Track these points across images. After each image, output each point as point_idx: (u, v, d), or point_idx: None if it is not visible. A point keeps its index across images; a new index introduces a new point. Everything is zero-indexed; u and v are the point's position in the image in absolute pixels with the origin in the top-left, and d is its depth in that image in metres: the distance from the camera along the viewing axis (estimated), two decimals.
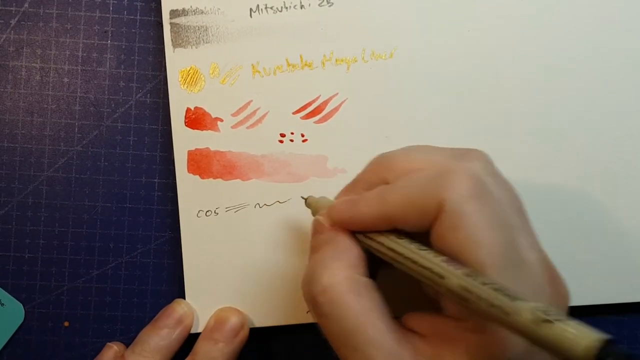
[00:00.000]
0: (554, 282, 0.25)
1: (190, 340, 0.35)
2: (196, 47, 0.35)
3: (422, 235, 0.25)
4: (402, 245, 0.26)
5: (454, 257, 0.24)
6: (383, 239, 0.26)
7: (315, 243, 0.28)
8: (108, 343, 0.36)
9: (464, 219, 0.23)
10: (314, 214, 0.31)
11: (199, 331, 0.35)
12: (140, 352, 0.34)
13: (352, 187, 0.29)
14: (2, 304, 0.37)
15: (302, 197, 0.33)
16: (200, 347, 0.34)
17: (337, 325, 0.25)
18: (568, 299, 0.26)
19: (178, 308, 0.35)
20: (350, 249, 0.27)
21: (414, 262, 0.25)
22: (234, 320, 0.35)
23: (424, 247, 0.25)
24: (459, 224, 0.23)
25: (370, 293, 0.25)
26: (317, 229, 0.28)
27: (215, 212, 0.35)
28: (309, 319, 0.36)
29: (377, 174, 0.28)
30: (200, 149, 0.35)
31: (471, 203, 0.24)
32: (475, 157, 0.26)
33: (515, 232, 0.25)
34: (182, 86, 0.35)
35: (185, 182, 0.35)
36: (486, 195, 0.24)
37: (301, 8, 0.35)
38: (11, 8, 0.37)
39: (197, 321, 0.36)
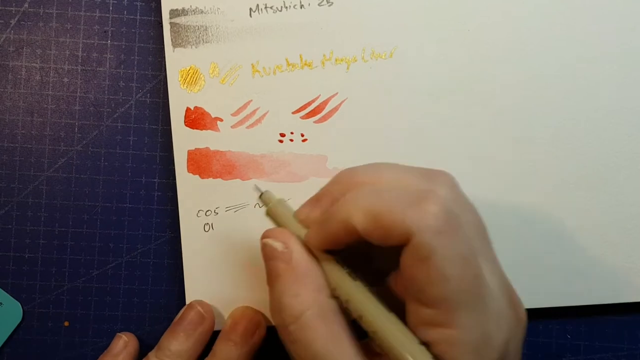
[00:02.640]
0: (514, 306, 0.26)
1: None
2: (196, 47, 0.35)
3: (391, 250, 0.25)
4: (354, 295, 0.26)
5: (420, 289, 0.24)
6: (334, 276, 0.26)
7: (273, 270, 0.27)
8: (118, 333, 0.36)
9: (431, 252, 0.23)
10: (268, 214, 0.29)
11: (218, 329, 0.35)
12: (162, 358, 0.34)
13: (317, 201, 0.28)
14: (0, 303, 0.37)
15: (257, 189, 0.30)
16: (218, 348, 0.34)
17: (307, 351, 0.25)
18: (526, 320, 0.26)
19: (195, 311, 0.35)
20: (312, 271, 0.26)
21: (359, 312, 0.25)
22: (250, 320, 0.35)
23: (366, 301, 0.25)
24: (426, 257, 0.23)
25: (338, 317, 0.26)
26: (269, 254, 0.27)
27: (215, 212, 0.35)
28: None
29: (343, 188, 0.27)
30: (200, 148, 0.35)
31: (440, 237, 0.23)
32: (442, 182, 0.26)
33: (480, 261, 0.25)
34: (182, 86, 0.35)
35: (185, 182, 0.35)
36: (455, 227, 0.24)
37: (301, 8, 0.35)
38: (11, 8, 0.37)
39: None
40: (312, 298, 0.26)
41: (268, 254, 0.27)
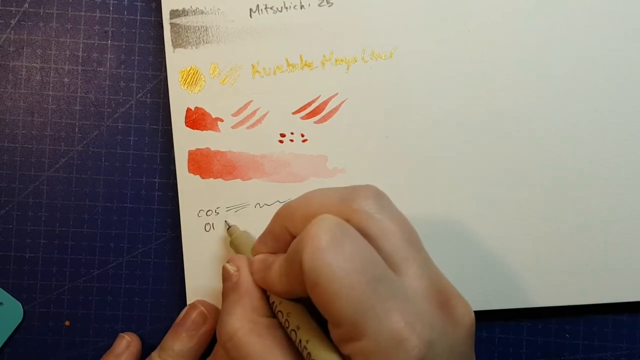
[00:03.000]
0: (447, 307, 0.26)
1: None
2: (196, 47, 0.35)
3: None
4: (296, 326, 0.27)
5: (323, 311, 0.25)
6: (282, 310, 0.28)
7: (224, 290, 0.30)
8: (120, 333, 0.36)
9: (318, 274, 0.24)
10: (231, 245, 0.34)
11: None
12: (164, 358, 0.34)
13: (263, 239, 0.30)
14: (1, 303, 0.37)
15: (227, 224, 0.35)
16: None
17: None
18: (468, 322, 0.26)
19: (197, 310, 0.35)
20: (251, 292, 0.29)
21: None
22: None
23: (311, 329, 0.27)
24: (315, 281, 0.24)
25: (272, 332, 0.28)
26: (225, 276, 0.30)
27: (215, 212, 0.36)
28: None
29: (281, 224, 0.29)
30: (201, 149, 0.35)
31: (325, 256, 0.24)
32: (362, 196, 0.27)
33: (403, 263, 0.25)
34: (182, 86, 0.35)
35: (186, 182, 0.35)
36: (345, 241, 0.25)
37: (301, 8, 0.35)
38: (11, 8, 0.37)
39: None
40: (246, 317, 0.28)
41: (224, 276, 0.30)
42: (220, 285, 0.35)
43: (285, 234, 0.29)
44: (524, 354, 0.37)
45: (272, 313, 0.29)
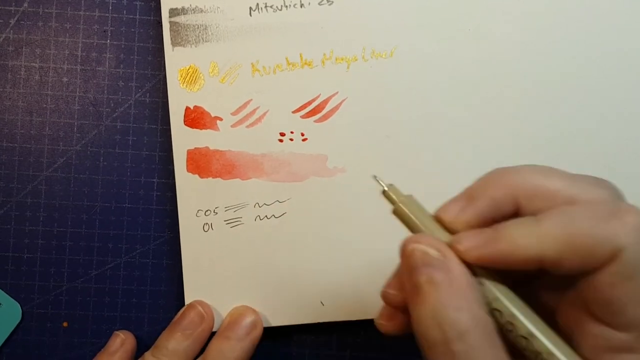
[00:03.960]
0: None
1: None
2: (195, 46, 0.35)
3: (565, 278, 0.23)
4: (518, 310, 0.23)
5: (618, 310, 0.21)
6: (495, 290, 0.23)
7: (427, 278, 0.23)
8: (115, 332, 0.36)
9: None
10: (397, 213, 0.25)
11: (216, 329, 0.35)
12: (159, 357, 0.34)
13: (470, 200, 0.25)
14: (0, 304, 0.37)
15: (379, 182, 0.26)
16: (213, 345, 0.34)
17: None
18: None
19: (195, 311, 0.35)
20: (473, 284, 0.23)
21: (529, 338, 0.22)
22: (246, 319, 0.35)
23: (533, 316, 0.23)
24: (634, 274, 0.21)
25: (499, 339, 0.22)
26: (425, 261, 0.23)
27: (214, 212, 0.35)
28: (309, 319, 0.36)
29: (506, 191, 0.24)
30: (200, 148, 0.35)
31: None
32: (614, 188, 0.24)
33: None
34: (181, 85, 0.35)
35: (185, 182, 0.35)
36: None
37: (301, 7, 0.35)
38: (10, 7, 0.37)
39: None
40: (477, 314, 0.22)
41: (420, 261, 0.23)
42: (220, 285, 0.35)
43: (509, 204, 0.24)
44: None
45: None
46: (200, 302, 0.35)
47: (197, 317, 0.35)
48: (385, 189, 0.25)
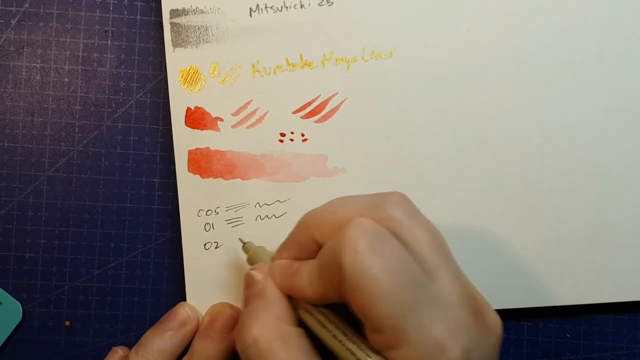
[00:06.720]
0: (479, 315, 0.26)
1: None
2: (196, 47, 0.35)
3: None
4: (324, 326, 0.27)
5: (363, 317, 0.24)
6: (311, 316, 0.28)
7: (247, 296, 0.30)
8: (113, 347, 0.36)
9: (360, 277, 0.24)
10: (248, 261, 0.33)
11: None
12: (143, 355, 0.34)
13: (286, 248, 0.30)
14: (1, 303, 0.37)
15: (241, 241, 0.34)
16: (196, 345, 0.34)
17: None
18: (498, 330, 0.26)
19: (182, 311, 0.35)
20: (279, 301, 0.28)
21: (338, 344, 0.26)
22: (226, 315, 0.35)
23: (350, 333, 0.26)
24: (356, 284, 0.24)
25: (298, 341, 0.27)
26: (248, 282, 0.30)
27: (215, 212, 0.36)
28: None
29: (306, 233, 0.29)
30: (201, 148, 0.35)
31: (366, 259, 0.24)
32: (390, 203, 0.26)
33: (436, 270, 0.25)
34: (182, 86, 0.35)
35: (186, 182, 0.35)
36: (384, 245, 0.24)
37: (301, 7, 0.35)
38: (11, 8, 0.37)
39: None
40: (273, 324, 0.27)
41: (248, 282, 0.30)
42: (221, 284, 0.36)
43: (311, 243, 0.29)
44: (524, 354, 0.37)
45: (298, 323, 0.28)
46: (188, 304, 0.36)
47: (182, 318, 0.35)
48: (244, 243, 0.34)
